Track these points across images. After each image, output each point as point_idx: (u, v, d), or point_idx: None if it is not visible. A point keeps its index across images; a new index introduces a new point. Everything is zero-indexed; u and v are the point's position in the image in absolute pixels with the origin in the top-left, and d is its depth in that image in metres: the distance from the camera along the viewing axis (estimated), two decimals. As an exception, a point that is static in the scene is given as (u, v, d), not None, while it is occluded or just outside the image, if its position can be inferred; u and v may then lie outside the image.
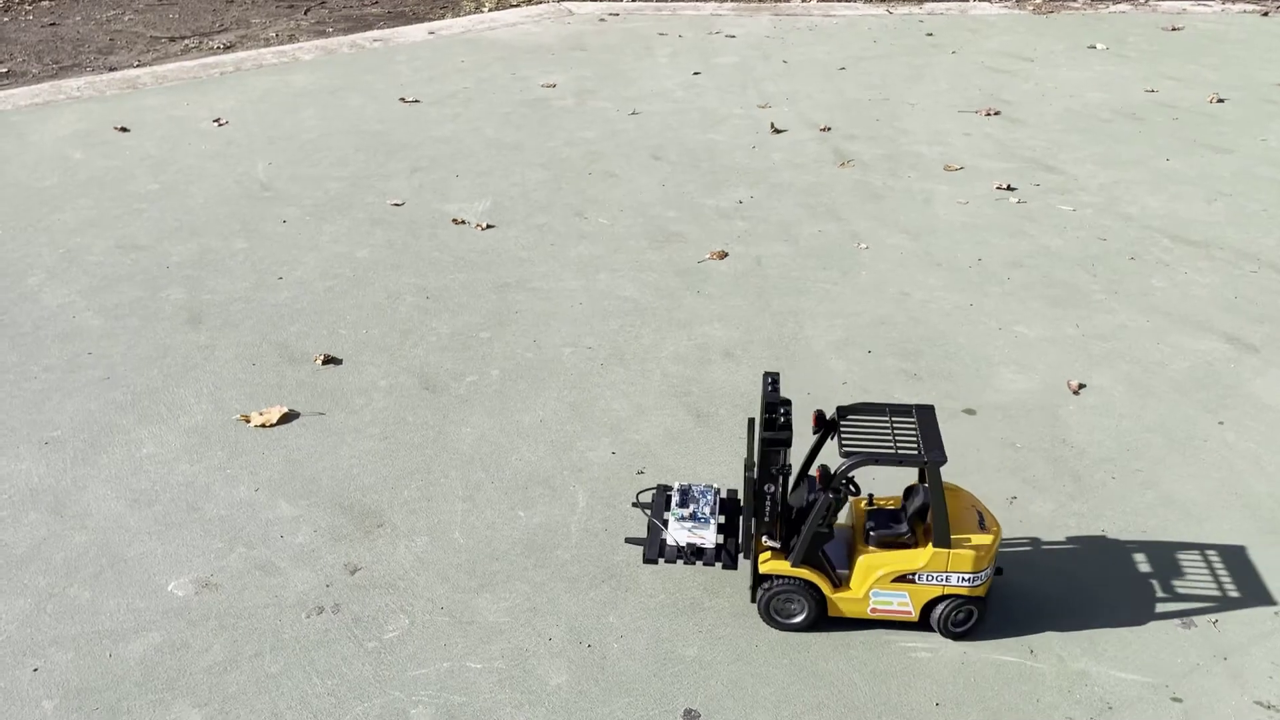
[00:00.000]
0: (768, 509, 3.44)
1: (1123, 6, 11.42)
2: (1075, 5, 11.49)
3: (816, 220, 6.56)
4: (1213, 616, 3.65)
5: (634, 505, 3.93)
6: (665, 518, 3.66)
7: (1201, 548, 3.95)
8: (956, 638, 3.54)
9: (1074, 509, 4.15)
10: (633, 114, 8.35)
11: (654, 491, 3.83)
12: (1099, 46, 10.01)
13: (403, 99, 8.69)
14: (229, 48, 10.30)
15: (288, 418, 4.72)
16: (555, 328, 5.42)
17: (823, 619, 3.55)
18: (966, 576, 3.39)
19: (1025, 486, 4.27)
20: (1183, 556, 3.91)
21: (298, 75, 9.33)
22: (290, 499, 4.23)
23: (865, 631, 3.59)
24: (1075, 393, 4.86)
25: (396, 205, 6.80)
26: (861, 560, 3.46)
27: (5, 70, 9.59)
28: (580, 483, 4.30)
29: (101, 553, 3.97)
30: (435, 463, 4.43)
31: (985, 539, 3.41)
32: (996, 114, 8.28)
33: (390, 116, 8.32)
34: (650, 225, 6.52)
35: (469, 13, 11.53)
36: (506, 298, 5.70)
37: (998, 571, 3.57)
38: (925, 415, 3.43)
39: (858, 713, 3.32)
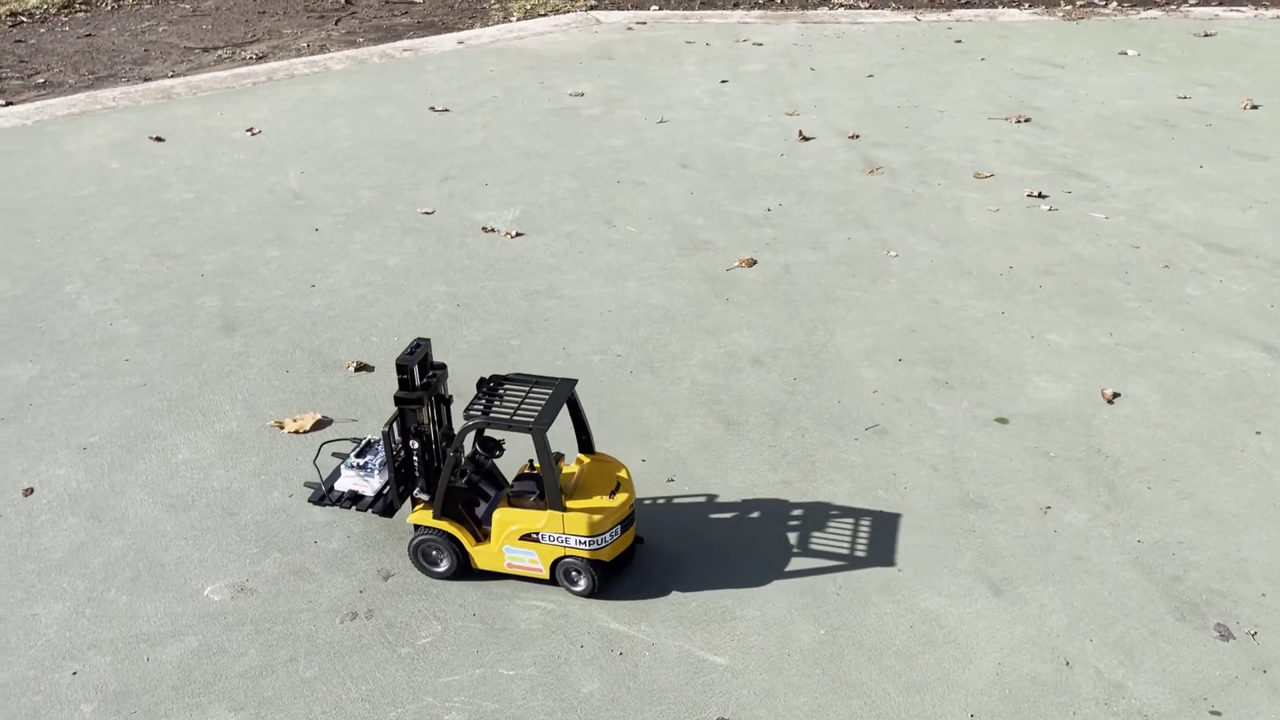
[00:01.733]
0: (417, 465, 3.78)
1: (1154, 12, 11.33)
2: (1106, 11, 11.42)
3: (845, 228, 6.55)
4: (1251, 628, 3.61)
5: (332, 454, 4.26)
6: (342, 467, 4.06)
7: (1239, 559, 3.91)
8: (584, 595, 3.75)
9: (1109, 519, 4.11)
10: (661, 122, 8.36)
11: (352, 442, 4.25)
12: (1130, 53, 9.93)
13: (432, 108, 8.75)
14: (261, 58, 10.42)
15: (321, 424, 4.76)
16: (584, 335, 5.43)
17: (467, 570, 3.81)
18: (584, 539, 3.59)
19: (1059, 496, 4.24)
20: (1219, 568, 3.87)
21: (329, 85, 9.42)
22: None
23: (899, 642, 3.57)
24: (1109, 402, 4.82)
25: (427, 214, 6.85)
26: (497, 516, 3.70)
27: (42, 81, 9.74)
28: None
29: (139, 557, 4.02)
30: (467, 470, 4.45)
31: (606, 505, 3.62)
32: (1027, 121, 8.23)
33: (420, 125, 8.38)
34: (679, 233, 6.53)
35: (497, 22, 11.61)
36: (536, 305, 5.72)
37: (639, 540, 3.85)
38: (561, 389, 3.67)
39: (891, 723, 3.30)
